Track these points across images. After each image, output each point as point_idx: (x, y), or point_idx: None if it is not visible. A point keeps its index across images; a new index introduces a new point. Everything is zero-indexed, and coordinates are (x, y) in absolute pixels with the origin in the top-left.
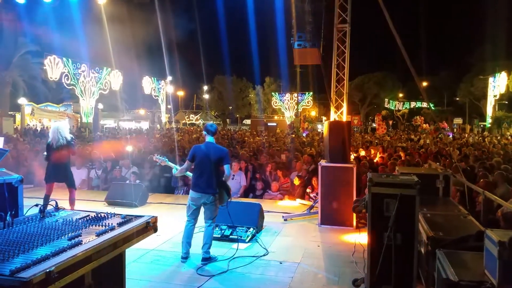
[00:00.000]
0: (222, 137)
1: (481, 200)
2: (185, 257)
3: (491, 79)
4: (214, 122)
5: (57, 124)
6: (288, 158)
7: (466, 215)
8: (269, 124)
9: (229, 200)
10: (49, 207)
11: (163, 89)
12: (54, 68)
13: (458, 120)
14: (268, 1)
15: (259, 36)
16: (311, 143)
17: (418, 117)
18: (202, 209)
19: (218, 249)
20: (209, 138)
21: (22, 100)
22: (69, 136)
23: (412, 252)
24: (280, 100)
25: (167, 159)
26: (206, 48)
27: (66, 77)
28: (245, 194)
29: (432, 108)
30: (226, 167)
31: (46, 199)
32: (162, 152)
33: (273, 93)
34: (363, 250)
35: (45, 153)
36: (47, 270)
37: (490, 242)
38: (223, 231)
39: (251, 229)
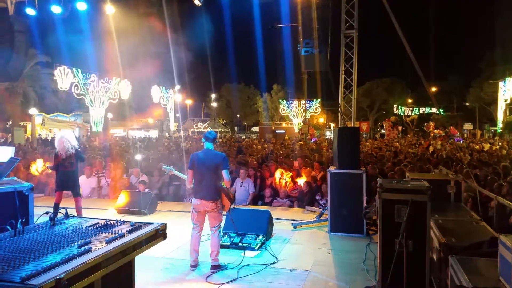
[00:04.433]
0: (229, 145)
1: (494, 205)
2: (194, 265)
3: (501, 84)
4: (223, 129)
5: (62, 133)
6: (300, 165)
7: (479, 221)
8: (277, 131)
9: (232, 206)
10: (59, 215)
11: (172, 97)
12: (64, 78)
13: (468, 125)
14: (275, 8)
15: (266, 44)
16: (318, 150)
17: (431, 122)
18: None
19: (227, 257)
20: (207, 145)
21: (32, 110)
22: (76, 144)
23: (424, 259)
24: (288, 107)
25: (174, 169)
26: (214, 56)
27: (76, 87)
28: (254, 202)
29: (442, 113)
30: (224, 172)
31: (56, 207)
32: (170, 160)
33: (280, 100)
34: (374, 258)
35: (48, 164)
36: (57, 277)
37: (505, 248)
38: (232, 239)
39: (260, 236)
